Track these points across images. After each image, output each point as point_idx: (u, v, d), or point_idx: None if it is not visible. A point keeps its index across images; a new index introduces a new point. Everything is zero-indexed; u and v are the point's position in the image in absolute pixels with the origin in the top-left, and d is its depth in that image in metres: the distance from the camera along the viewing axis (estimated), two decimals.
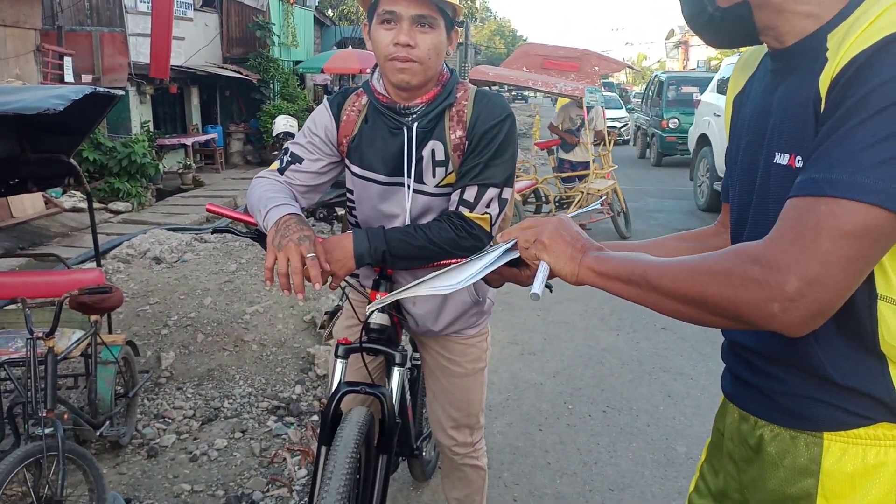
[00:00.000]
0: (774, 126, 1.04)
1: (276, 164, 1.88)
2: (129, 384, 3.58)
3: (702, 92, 13.27)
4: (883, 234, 0.85)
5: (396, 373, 1.82)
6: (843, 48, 0.91)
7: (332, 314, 2.27)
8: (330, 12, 24.88)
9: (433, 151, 1.79)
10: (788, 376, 1.04)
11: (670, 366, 4.19)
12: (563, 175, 8.33)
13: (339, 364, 1.81)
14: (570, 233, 1.15)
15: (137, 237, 6.66)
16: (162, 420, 3.82)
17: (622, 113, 22.27)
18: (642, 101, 18.68)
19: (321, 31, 22.41)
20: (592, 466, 3.14)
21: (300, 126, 11.34)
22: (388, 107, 1.79)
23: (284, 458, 3.17)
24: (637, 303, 1.03)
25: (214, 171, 13.68)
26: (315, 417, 3.73)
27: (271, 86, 15.92)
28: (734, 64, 1.28)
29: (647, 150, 16.94)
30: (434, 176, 1.81)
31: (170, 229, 7.32)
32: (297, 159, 1.86)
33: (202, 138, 13.92)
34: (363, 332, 1.84)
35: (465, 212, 1.76)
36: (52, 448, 2.55)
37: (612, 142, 8.38)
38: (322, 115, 1.89)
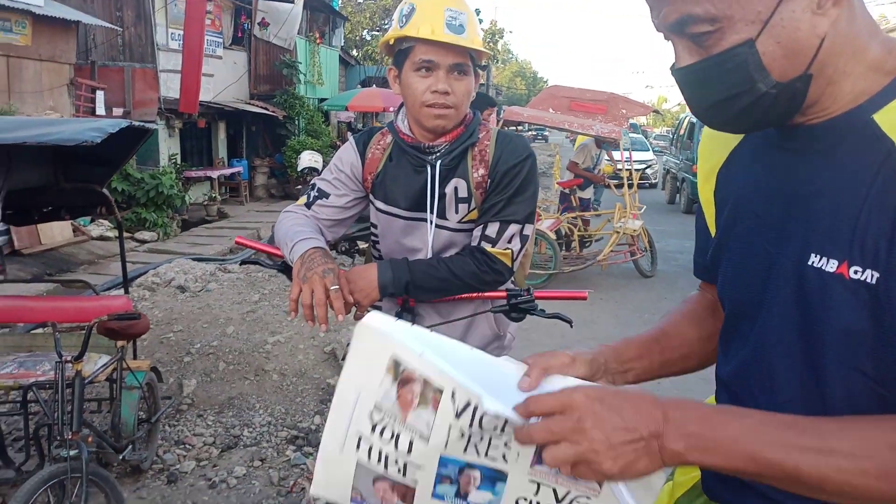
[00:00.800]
0: (807, 219, 0.85)
1: (303, 199, 1.96)
2: (152, 410, 3.61)
3: None
4: None
5: None
6: None
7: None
8: (355, 52, 25.41)
9: (456, 189, 1.84)
10: None
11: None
12: (586, 214, 8.38)
13: None
14: (619, 412, 0.78)
15: (163, 266, 6.77)
16: (182, 446, 3.84)
17: (649, 155, 21.39)
18: (671, 144, 17.51)
19: (346, 70, 22.85)
20: None
21: (324, 162, 11.55)
22: (412, 146, 1.86)
23: (303, 488, 3.17)
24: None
25: (239, 204, 13.88)
26: None
27: (297, 122, 16.21)
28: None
29: (678, 196, 15.69)
30: (457, 212, 1.86)
31: (194, 259, 7.43)
32: (323, 194, 1.93)
33: (228, 171, 14.17)
34: None
35: (488, 247, 1.81)
36: (76, 470, 2.58)
37: (637, 183, 8.39)
38: (348, 152, 1.96)
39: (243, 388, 4.47)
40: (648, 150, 21.98)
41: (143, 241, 9.41)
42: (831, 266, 0.80)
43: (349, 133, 18.01)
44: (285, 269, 1.90)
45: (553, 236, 7.41)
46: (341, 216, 1.94)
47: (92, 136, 2.91)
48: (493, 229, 1.81)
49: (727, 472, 0.77)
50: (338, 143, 17.40)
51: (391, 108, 17.04)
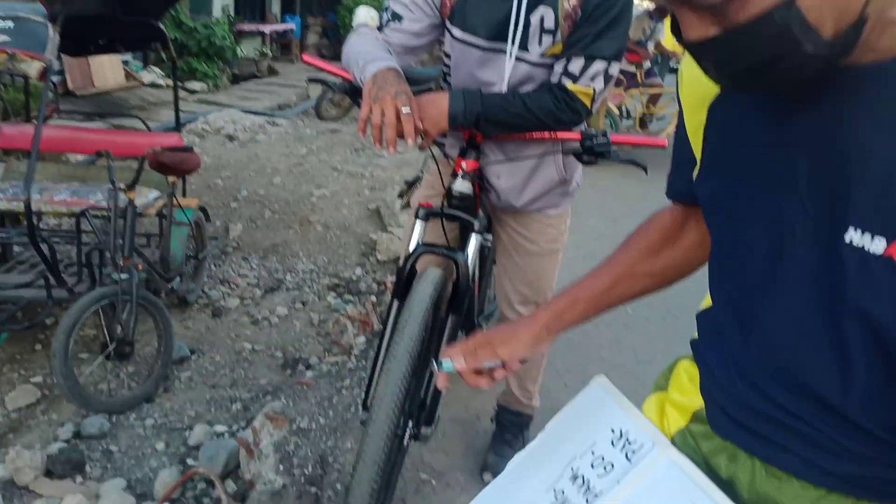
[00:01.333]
0: (843, 183, 0.68)
1: (375, 22, 1.86)
2: (199, 247, 3.71)
3: None
4: None
5: (474, 239, 1.83)
6: None
7: (412, 183, 2.28)
8: None
9: (542, 18, 1.72)
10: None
11: None
12: (651, 90, 7.99)
13: (419, 225, 1.83)
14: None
15: (213, 115, 6.78)
16: (227, 285, 3.97)
17: None
18: None
19: None
20: (646, 366, 3.15)
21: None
22: None
23: (345, 325, 3.27)
24: None
25: (289, 62, 13.68)
26: (374, 297, 3.82)
27: None
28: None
29: None
30: (540, 44, 1.74)
31: (244, 111, 7.41)
32: (397, 17, 1.82)
33: (280, 27, 13.88)
34: (445, 199, 1.84)
35: (568, 84, 1.71)
36: (126, 293, 2.69)
37: None
38: None
39: (287, 237, 4.55)
40: None
41: (193, 92, 9.39)
42: (878, 245, 0.65)
43: None
44: (353, 90, 1.83)
45: (616, 111, 7.15)
46: (413, 43, 1.84)
47: None
48: (576, 65, 1.70)
49: None
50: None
51: None
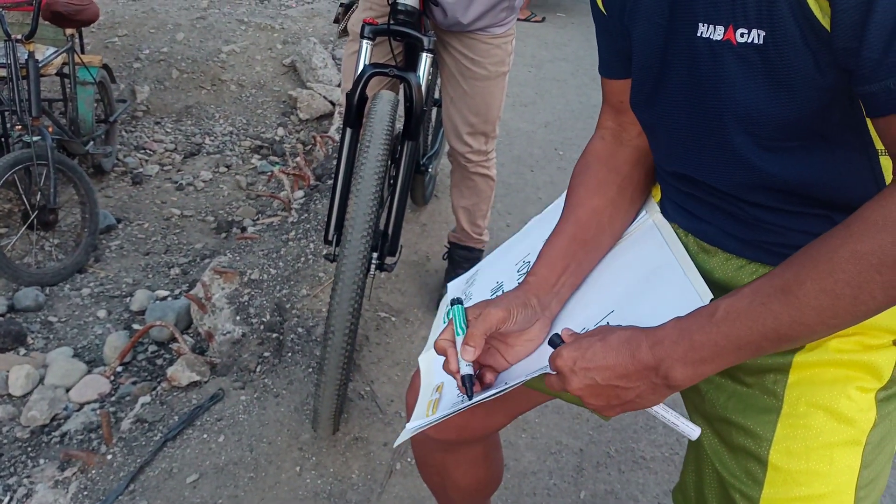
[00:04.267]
0: None
1: None
2: (108, 110, 3.46)
3: None
4: None
5: (425, 58, 1.74)
6: None
7: (348, 7, 2.13)
8: None
9: None
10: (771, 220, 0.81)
11: None
12: None
13: (366, 45, 1.73)
14: (607, 354, 0.74)
15: None
16: (143, 151, 3.76)
17: None
18: None
19: None
20: None
21: None
22: None
23: (281, 180, 3.17)
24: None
25: None
26: (298, 157, 3.71)
27: None
28: None
29: None
30: None
31: None
32: None
33: None
34: (390, 15, 1.74)
35: None
36: (41, 156, 2.50)
37: None
38: None
39: (200, 98, 4.29)
40: None
41: None
42: (718, 33, 0.71)
43: None
44: None
45: None
46: None
47: None
48: None
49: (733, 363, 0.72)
50: None
51: None
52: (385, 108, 1.57)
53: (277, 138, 4.07)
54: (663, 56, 0.80)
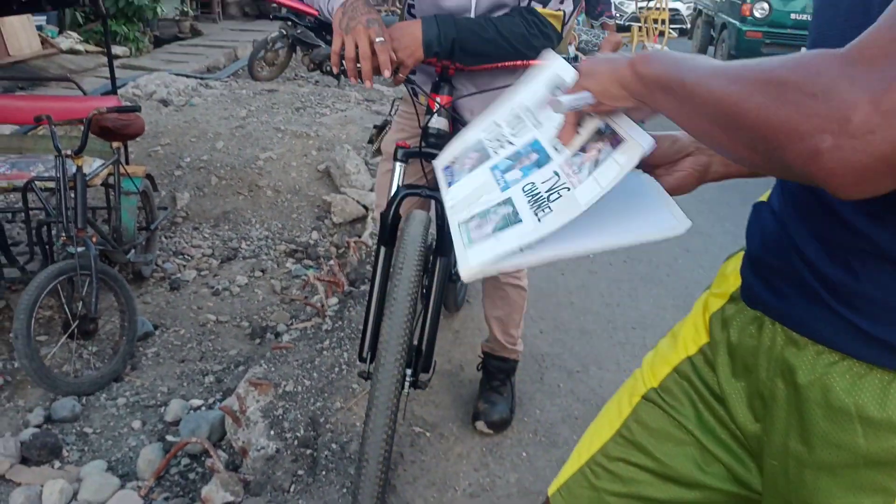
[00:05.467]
0: None
1: None
2: (150, 218, 3.57)
3: None
4: None
5: None
6: None
7: (381, 129, 2.22)
8: None
9: None
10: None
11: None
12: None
13: (398, 167, 1.78)
14: (607, 58, 0.83)
15: (143, 78, 6.47)
16: (181, 256, 3.84)
17: None
18: None
19: None
20: (615, 308, 3.21)
21: None
22: None
23: (315, 287, 3.21)
24: (677, 122, 0.73)
25: (212, 21, 13.13)
26: (332, 261, 3.76)
27: None
28: None
29: (715, 50, 11.07)
30: None
31: (174, 73, 7.10)
32: None
33: None
34: (422, 138, 1.79)
35: (538, 7, 1.67)
36: (84, 266, 2.56)
37: (664, 29, 7.72)
38: None
39: (237, 203, 4.41)
40: None
41: (116, 57, 8.91)
42: None
43: None
44: (320, 26, 1.76)
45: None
46: None
47: None
48: None
49: (657, 107, 0.75)
50: None
51: None
52: (417, 228, 1.60)
53: (312, 242, 4.14)
54: None
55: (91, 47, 8.71)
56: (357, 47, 1.47)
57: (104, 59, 8.58)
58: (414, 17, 1.84)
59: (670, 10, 10.75)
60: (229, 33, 11.92)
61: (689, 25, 13.73)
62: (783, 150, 0.57)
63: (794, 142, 0.55)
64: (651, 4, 7.91)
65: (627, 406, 1.00)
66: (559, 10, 1.68)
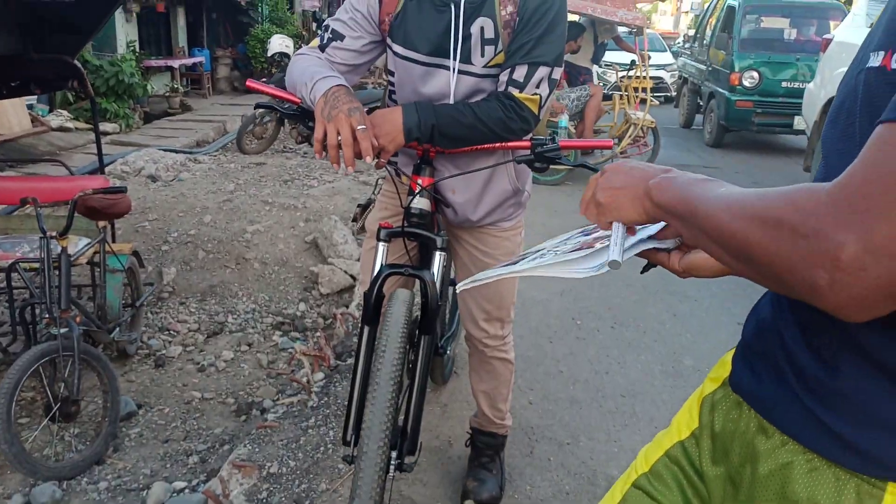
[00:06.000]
0: (879, 19, 0.72)
1: (315, 42, 1.83)
2: (135, 294, 3.55)
3: (800, 26, 9.55)
4: None
5: (438, 256, 1.80)
6: None
7: (365, 207, 2.26)
8: None
9: (482, 29, 1.72)
10: (863, 392, 0.71)
11: (675, 289, 4.24)
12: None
13: (381, 247, 1.79)
14: (625, 172, 0.87)
15: (132, 155, 6.55)
16: (167, 332, 3.81)
17: (667, 58, 15.75)
18: (693, 41, 12.48)
19: None
20: (604, 375, 3.19)
21: (296, 47, 10.93)
22: None
23: (300, 362, 3.18)
24: (696, 246, 0.80)
25: (201, 97, 13.37)
26: (321, 332, 3.74)
27: (260, 9, 15.46)
28: None
29: (702, 119, 10.82)
30: (483, 55, 1.75)
31: (163, 149, 7.18)
32: (338, 36, 1.80)
33: (189, 61, 13.55)
34: (404, 218, 1.82)
35: (515, 92, 1.71)
36: (67, 348, 2.54)
37: (646, 97, 7.86)
38: None
39: (224, 277, 4.41)
40: (665, 49, 16.68)
41: (106, 133, 9.02)
42: (878, 59, 0.67)
43: (314, 24, 17.23)
44: (302, 114, 1.80)
45: (574, 131, 7.21)
46: (356, 61, 1.83)
47: None
48: (521, 72, 1.71)
49: (678, 232, 0.80)
50: (303, 32, 16.69)
51: None
52: (400, 308, 1.60)
53: (299, 313, 4.13)
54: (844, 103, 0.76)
55: (81, 124, 8.82)
56: (339, 135, 1.50)
57: (94, 136, 8.70)
58: (395, 102, 1.89)
59: (654, 78, 10.98)
60: (219, 108, 12.13)
61: (674, 93, 13.72)
62: (788, 282, 0.62)
63: (795, 277, 0.61)
64: (632, 73, 8.11)
65: (619, 494, 1.00)
66: (535, 94, 1.72)
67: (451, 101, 1.78)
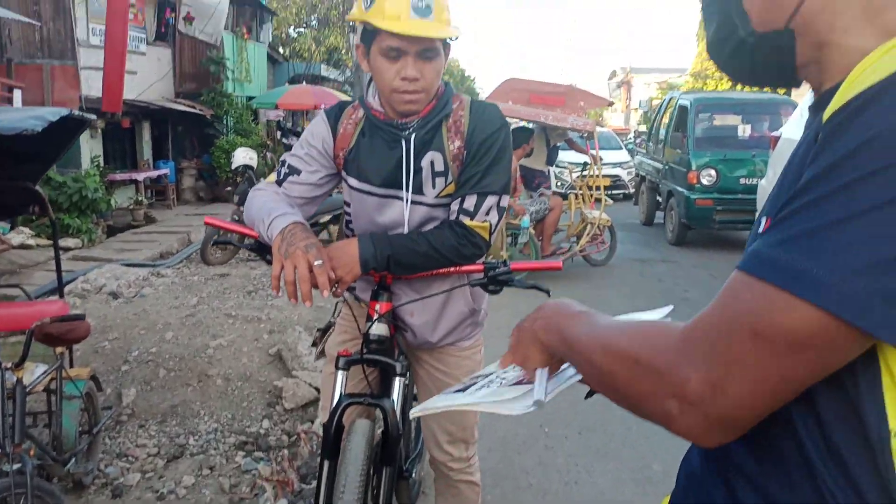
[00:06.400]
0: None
1: (273, 177, 1.90)
2: (93, 421, 3.46)
3: (753, 122, 9.73)
4: (826, 350, 0.61)
5: (397, 383, 1.81)
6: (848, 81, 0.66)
7: (324, 331, 2.28)
8: (282, 49, 24.93)
9: (432, 162, 1.82)
10: None
11: None
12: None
13: (340, 375, 1.80)
14: (532, 317, 0.99)
15: (93, 272, 6.51)
16: (125, 459, 3.69)
17: (623, 155, 16.18)
18: (647, 139, 12.63)
19: (274, 68, 22.43)
20: (573, 486, 3.16)
21: (259, 157, 11.05)
22: (385, 122, 1.82)
23: (262, 488, 3.09)
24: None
25: (166, 208, 13.45)
26: (285, 451, 3.66)
27: (225, 121, 15.82)
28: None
29: (665, 217, 10.66)
30: (434, 187, 1.83)
31: (125, 264, 7.15)
32: (294, 171, 1.87)
33: (154, 174, 13.70)
34: (363, 344, 1.83)
35: (466, 220, 1.79)
36: (20, 485, 2.45)
37: (602, 196, 8.12)
38: (319, 127, 1.91)
39: (186, 395, 4.32)
40: (621, 147, 17.06)
41: (68, 249, 8.98)
42: (762, 225, 0.74)
43: (279, 132, 17.64)
44: (260, 248, 1.84)
45: (533, 232, 7.36)
46: (313, 193, 1.90)
47: (33, 124, 2.74)
48: (470, 202, 1.79)
49: (562, 353, 0.91)
50: (268, 142, 17.04)
51: (323, 105, 16.81)
52: (359, 442, 1.61)
53: (263, 431, 4.04)
54: None
55: (42, 241, 8.78)
56: (296, 270, 1.55)
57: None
58: (352, 230, 1.95)
59: (611, 176, 11.36)
60: (183, 218, 12.19)
61: (632, 190, 13.71)
62: (646, 411, 0.72)
63: (652, 408, 0.70)
64: (586, 173, 8.40)
65: None
66: (485, 221, 1.80)
67: (406, 230, 1.84)
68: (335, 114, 1.91)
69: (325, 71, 23.40)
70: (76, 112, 3.13)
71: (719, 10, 0.82)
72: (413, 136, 1.80)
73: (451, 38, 1.79)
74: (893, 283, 0.57)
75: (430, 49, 1.72)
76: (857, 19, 0.71)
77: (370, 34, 1.73)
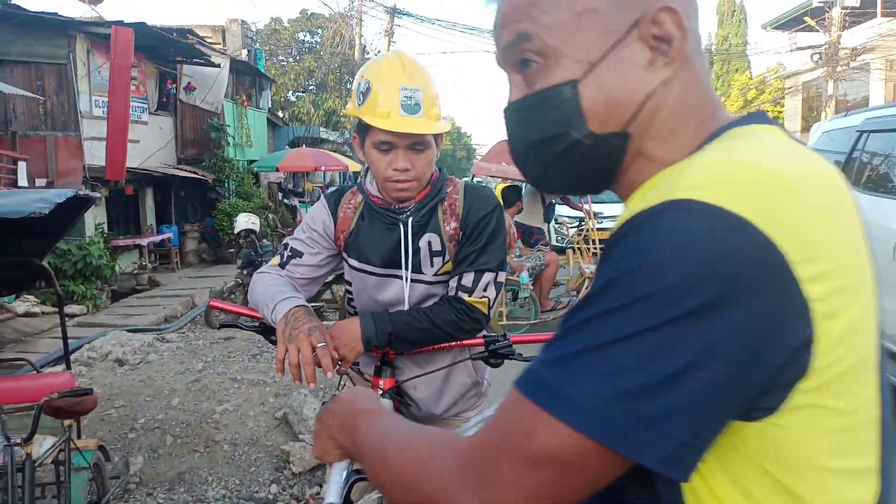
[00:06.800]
0: None
1: (276, 260, 1.97)
2: (101, 491, 3.45)
3: None
4: (591, 471, 0.62)
5: None
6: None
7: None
8: (282, 113, 25.40)
9: (430, 243, 1.90)
10: None
11: None
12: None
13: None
14: (330, 411, 0.99)
15: (98, 340, 6.53)
16: None
17: (622, 209, 18.55)
18: None
19: (274, 132, 22.82)
20: None
21: (262, 220, 11.11)
22: (382, 207, 1.91)
23: None
24: None
25: (170, 271, 13.53)
26: None
27: (227, 185, 16.03)
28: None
29: None
30: (432, 266, 1.91)
31: (130, 330, 7.18)
32: (297, 254, 1.95)
33: (157, 238, 13.83)
34: None
35: (465, 296, 1.85)
36: None
37: (596, 249, 8.26)
38: (320, 211, 2.00)
39: (193, 462, 4.31)
40: (619, 201, 18.96)
41: (72, 315, 9.01)
42: None
43: (280, 193, 17.86)
44: (265, 329, 1.89)
45: (532, 287, 7.43)
46: (315, 274, 1.97)
47: (39, 207, 2.82)
48: (468, 279, 1.85)
49: (355, 456, 0.91)
50: (269, 203, 17.24)
51: (322, 167, 17.06)
52: None
53: (271, 496, 4.02)
54: None
55: (47, 308, 8.82)
56: (300, 353, 1.60)
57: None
58: (354, 307, 2.02)
59: (609, 230, 11.47)
60: (187, 281, 12.25)
61: None
62: None
63: None
64: (582, 228, 8.51)
65: None
66: (483, 297, 1.87)
67: (406, 307, 1.91)
68: (335, 198, 2.00)
69: (324, 133, 23.83)
70: (81, 192, 3.21)
71: (550, 111, 0.76)
72: (410, 219, 1.88)
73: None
74: (646, 409, 0.59)
75: (419, 142, 1.80)
76: (671, 131, 0.76)
77: (364, 127, 1.82)
